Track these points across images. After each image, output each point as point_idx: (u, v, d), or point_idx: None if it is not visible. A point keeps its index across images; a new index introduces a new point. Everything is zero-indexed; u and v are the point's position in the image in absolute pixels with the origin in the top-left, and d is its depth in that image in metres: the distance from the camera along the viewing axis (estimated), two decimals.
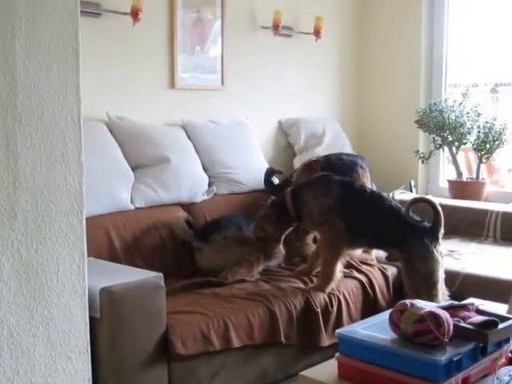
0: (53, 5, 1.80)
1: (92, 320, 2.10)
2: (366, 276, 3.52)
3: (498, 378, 2.07)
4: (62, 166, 1.85)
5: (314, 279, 3.36)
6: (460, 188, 4.72)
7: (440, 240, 3.22)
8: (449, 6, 4.96)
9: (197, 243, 3.42)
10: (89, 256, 2.03)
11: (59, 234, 1.85)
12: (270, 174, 3.97)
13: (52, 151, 1.83)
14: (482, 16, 4.91)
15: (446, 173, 5.08)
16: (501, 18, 4.79)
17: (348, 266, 3.57)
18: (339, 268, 3.32)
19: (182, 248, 3.48)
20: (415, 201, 3.29)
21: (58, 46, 1.82)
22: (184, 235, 3.43)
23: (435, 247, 3.19)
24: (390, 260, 3.71)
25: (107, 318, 2.44)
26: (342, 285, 3.37)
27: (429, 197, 3.38)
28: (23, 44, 1.75)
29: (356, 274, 3.51)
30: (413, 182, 4.87)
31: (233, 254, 3.36)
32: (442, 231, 3.22)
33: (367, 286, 3.48)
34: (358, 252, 3.79)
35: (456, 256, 3.86)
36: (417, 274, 3.19)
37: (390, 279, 3.61)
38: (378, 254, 3.78)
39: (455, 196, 4.66)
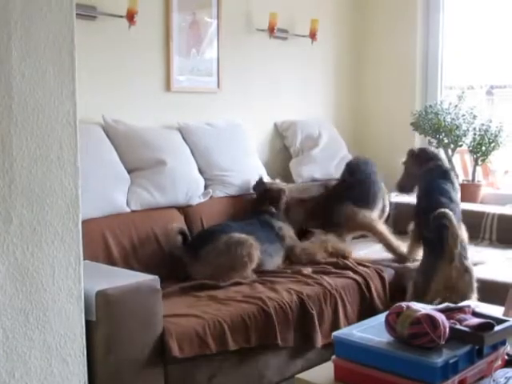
0: (49, 8, 1.80)
1: (88, 323, 2.10)
2: (363, 277, 3.52)
3: (494, 381, 2.07)
4: (57, 169, 1.85)
5: (310, 281, 3.36)
6: None
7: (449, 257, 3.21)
8: (444, 9, 4.97)
9: (187, 259, 3.40)
10: (85, 259, 2.04)
11: (55, 237, 1.85)
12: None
13: (48, 154, 1.83)
14: (478, 19, 4.92)
15: None
16: (496, 21, 4.80)
17: (344, 267, 3.58)
18: None
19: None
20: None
21: (54, 49, 1.83)
22: (175, 250, 3.41)
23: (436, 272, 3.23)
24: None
25: (103, 321, 2.43)
26: (339, 284, 3.38)
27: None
28: (19, 47, 1.75)
29: (352, 275, 3.51)
30: None
31: (224, 261, 3.34)
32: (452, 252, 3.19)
33: (363, 286, 3.48)
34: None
35: None
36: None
37: (387, 281, 3.62)
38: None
39: None
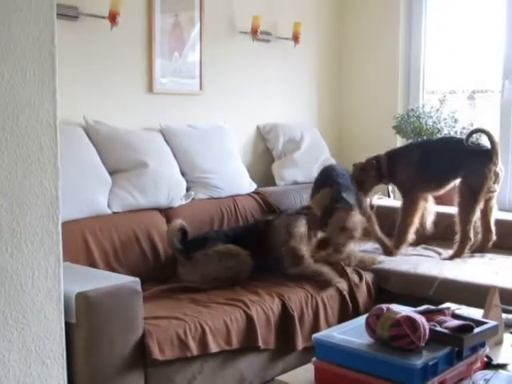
0: (28, 8, 1.79)
1: (68, 325, 2.09)
2: (346, 280, 3.53)
3: (473, 383, 2.09)
4: (37, 170, 1.84)
5: (292, 284, 3.36)
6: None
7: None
8: (426, 13, 5.01)
9: (180, 258, 3.40)
10: (65, 261, 2.02)
11: (34, 238, 1.84)
12: None
13: (27, 155, 1.81)
14: (460, 24, 4.95)
15: None
16: (478, 26, 4.84)
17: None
18: None
19: (159, 253, 3.48)
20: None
21: (34, 50, 1.81)
22: (170, 246, 3.41)
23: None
24: None
25: (83, 323, 2.42)
26: (320, 287, 3.38)
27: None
28: None
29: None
30: (390, 188, 4.89)
31: (212, 270, 3.32)
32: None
33: (345, 292, 3.48)
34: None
35: (433, 260, 3.88)
36: None
37: (371, 284, 3.63)
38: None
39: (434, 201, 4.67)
